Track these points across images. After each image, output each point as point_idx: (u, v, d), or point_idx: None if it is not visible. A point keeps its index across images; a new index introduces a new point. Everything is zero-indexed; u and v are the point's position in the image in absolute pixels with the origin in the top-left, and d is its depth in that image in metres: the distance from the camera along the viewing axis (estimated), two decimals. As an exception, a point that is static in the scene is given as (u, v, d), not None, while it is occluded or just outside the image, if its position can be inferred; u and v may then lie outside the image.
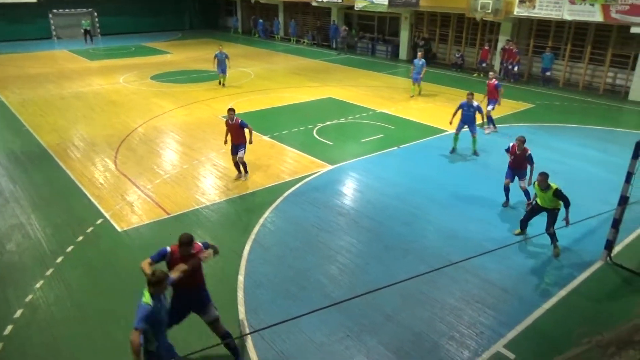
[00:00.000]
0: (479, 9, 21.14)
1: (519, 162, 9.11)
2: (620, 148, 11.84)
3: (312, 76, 22.37)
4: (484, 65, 22.46)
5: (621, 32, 18.46)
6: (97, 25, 35.87)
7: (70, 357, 5.85)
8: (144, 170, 11.23)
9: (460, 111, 12.08)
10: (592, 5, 17.84)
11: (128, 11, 36.71)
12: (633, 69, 18.60)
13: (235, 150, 10.48)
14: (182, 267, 5.16)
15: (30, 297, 6.84)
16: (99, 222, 8.87)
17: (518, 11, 20.18)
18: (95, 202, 9.63)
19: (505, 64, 21.58)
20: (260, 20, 36.18)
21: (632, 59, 18.67)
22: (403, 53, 26.90)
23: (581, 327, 6.16)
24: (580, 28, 19.87)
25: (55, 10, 34.05)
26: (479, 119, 12.61)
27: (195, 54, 28.02)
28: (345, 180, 10.95)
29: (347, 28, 29.45)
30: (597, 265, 7.67)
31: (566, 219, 7.54)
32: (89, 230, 8.59)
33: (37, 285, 7.08)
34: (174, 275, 5.07)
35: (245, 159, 10.58)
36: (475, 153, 12.23)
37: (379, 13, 27.51)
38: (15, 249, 8.03)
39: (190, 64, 25.14)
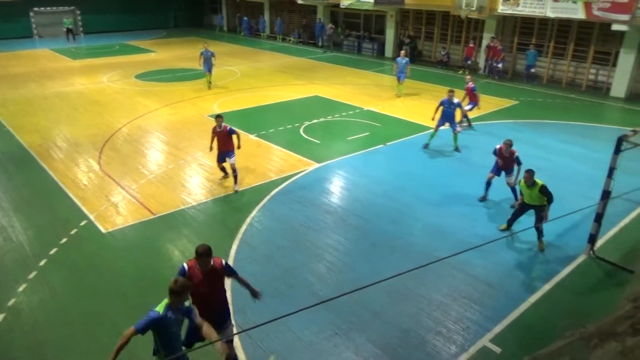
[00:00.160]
0: (463, 7, 21.28)
1: (507, 164, 9.24)
2: (602, 144, 12.02)
3: (299, 74, 22.32)
4: (469, 62, 22.63)
5: (603, 30, 18.73)
6: (80, 23, 35.33)
7: (55, 360, 5.76)
8: (128, 171, 11.11)
9: (441, 108, 12.21)
10: (575, 2, 18.07)
11: (111, 9, 36.22)
12: (614, 65, 18.89)
13: (222, 158, 10.15)
14: (208, 330, 4.60)
15: (13, 301, 6.72)
16: (82, 223, 8.74)
17: (502, 9, 20.36)
18: (79, 204, 9.50)
19: (490, 61, 21.77)
20: (245, 18, 35.99)
21: (613, 55, 18.96)
22: (389, 51, 26.98)
23: (565, 320, 6.25)
24: (563, 25, 20.11)
25: (36, 9, 33.44)
26: (458, 117, 12.78)
27: (180, 53, 27.78)
28: (332, 178, 10.95)
29: (333, 26, 29.44)
30: (580, 259, 7.78)
31: (545, 214, 7.67)
32: (73, 232, 8.46)
33: (20, 289, 6.96)
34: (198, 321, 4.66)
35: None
36: (456, 149, 12.35)
37: (365, 11, 27.54)
38: (-3, 252, 7.89)
39: (175, 62, 24.91)
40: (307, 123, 14.69)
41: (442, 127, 12.38)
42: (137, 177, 10.74)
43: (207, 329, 4.57)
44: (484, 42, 22.35)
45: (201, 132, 13.68)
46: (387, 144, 13.01)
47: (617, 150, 7.23)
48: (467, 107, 14.08)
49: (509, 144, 9.15)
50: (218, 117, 10.05)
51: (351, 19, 30.16)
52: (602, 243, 8.18)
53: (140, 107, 16.36)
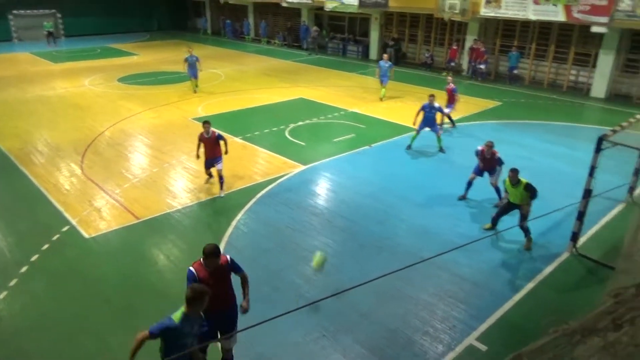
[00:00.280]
0: (446, 10, 21.49)
1: (489, 165, 9.35)
2: (584, 143, 12.23)
3: (283, 77, 22.30)
4: (452, 64, 22.85)
5: (582, 32, 19.08)
6: (61, 26, 34.85)
7: (37, 369, 5.65)
8: (112, 175, 10.96)
9: (422, 113, 12.32)
10: (555, 5, 18.38)
11: (93, 12, 35.80)
12: (594, 66, 19.25)
13: (209, 165, 9.91)
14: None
15: (-8, 308, 6.58)
16: (65, 229, 8.60)
17: (485, 11, 20.61)
18: (61, 209, 9.34)
19: (473, 63, 22.01)
20: (228, 21, 35.90)
21: (593, 57, 19.32)
22: (374, 53, 27.10)
23: (548, 317, 6.32)
24: (545, 28, 20.44)
25: (15, 11, 32.91)
26: (439, 120, 12.90)
27: (164, 56, 27.55)
28: (318, 180, 10.94)
29: (317, 29, 29.50)
30: (563, 256, 7.89)
31: (527, 210, 7.80)
32: (55, 237, 8.32)
33: (1, 297, 6.81)
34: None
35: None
36: (441, 150, 12.45)
37: (349, 14, 27.65)
38: (-24, 260, 7.71)
39: (158, 65, 24.69)
40: (292, 125, 14.68)
41: (423, 130, 12.47)
42: (121, 181, 10.61)
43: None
44: (467, 44, 22.59)
45: (185, 135, 13.57)
46: (372, 145, 13.06)
47: (598, 150, 7.36)
48: (447, 110, 14.13)
49: (490, 145, 9.26)
50: (205, 123, 9.72)
51: (336, 22, 30.26)
52: (584, 240, 8.30)
53: (123, 111, 16.17)
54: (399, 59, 25.53)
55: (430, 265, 7.30)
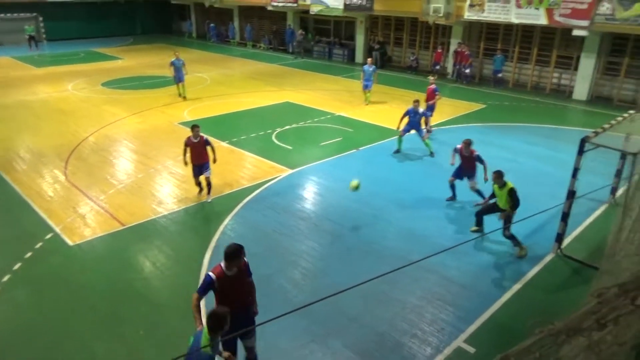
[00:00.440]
0: (431, 13, 21.68)
1: (468, 163, 9.44)
2: (567, 145, 12.40)
3: (270, 80, 22.28)
4: (437, 67, 23.04)
5: (564, 35, 19.40)
6: (43, 30, 34.39)
7: (20, 380, 5.54)
8: (96, 181, 10.82)
9: (407, 117, 12.41)
10: (537, 9, 18.67)
11: (75, 15, 35.41)
12: (576, 69, 19.57)
13: (199, 171, 9.62)
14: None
15: (-26, 319, 6.43)
16: (48, 236, 8.46)
17: (468, 15, 20.84)
18: (44, 216, 9.18)
19: (458, 66, 22.22)
20: (212, 25, 35.79)
21: (575, 60, 19.65)
22: (359, 56, 27.22)
23: (535, 318, 6.38)
24: (527, 31, 20.73)
25: (-5, 15, 32.44)
26: (424, 124, 12.96)
27: (148, 60, 27.34)
28: (305, 184, 10.93)
29: (303, 32, 29.54)
30: (549, 257, 7.98)
31: (506, 216, 7.81)
32: (38, 245, 8.17)
33: (-18, 306, 6.67)
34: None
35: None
36: (431, 154, 12.51)
37: (335, 17, 27.75)
38: (-43, 269, 7.54)
39: (143, 69, 24.49)
40: (279, 129, 14.65)
41: (408, 133, 12.53)
42: (106, 188, 10.47)
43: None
44: (452, 48, 22.82)
45: (171, 140, 13.46)
46: (359, 148, 13.09)
47: (581, 151, 7.48)
48: (428, 114, 13.93)
49: (467, 142, 9.36)
50: (194, 127, 9.47)
51: (321, 25, 30.34)
52: (569, 241, 8.42)
53: (107, 116, 15.99)
54: (384, 63, 25.69)
55: (418, 268, 7.33)
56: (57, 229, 8.69)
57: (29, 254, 7.90)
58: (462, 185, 9.76)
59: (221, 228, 8.82)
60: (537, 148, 13.28)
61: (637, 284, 1.61)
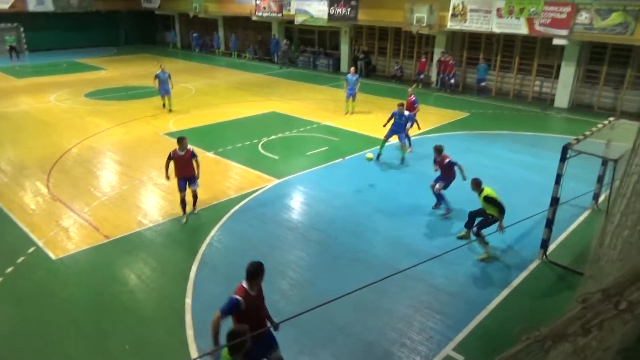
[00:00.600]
0: (414, 23, 21.99)
1: (444, 171, 9.51)
2: (549, 152, 12.59)
3: (255, 90, 22.29)
4: (421, 76, 23.30)
5: (544, 44, 19.81)
6: (24, 41, 33.97)
7: (1, 399, 5.39)
8: (80, 193, 10.67)
9: (393, 119, 12.54)
10: (518, 18, 19.06)
11: (57, 26, 35.08)
12: (557, 77, 19.96)
13: (183, 185, 9.14)
14: None
15: (-48, 337, 6.26)
16: (30, 250, 8.29)
17: (451, 25, 21.17)
18: (27, 230, 9.01)
19: (441, 75, 22.49)
20: (195, 35, 35.81)
21: (555, 68, 20.05)
22: (344, 66, 27.38)
23: (521, 325, 6.43)
24: (509, 40, 21.11)
25: (-24, 26, 31.98)
26: (413, 130, 13.03)
27: (133, 70, 27.17)
28: (292, 193, 10.92)
29: (288, 42, 29.67)
30: (534, 264, 8.07)
31: (499, 225, 7.87)
32: (20, 260, 8.00)
33: (-39, 324, 6.50)
34: None
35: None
36: (402, 160, 12.60)
37: (319, 27, 27.94)
38: None
39: (127, 80, 24.31)
40: (265, 139, 14.64)
41: (390, 141, 12.63)
42: (89, 200, 10.33)
43: None
44: (436, 57, 23.11)
45: (156, 151, 13.35)
46: (346, 157, 13.14)
47: (563, 158, 7.60)
48: (408, 125, 13.93)
49: (437, 148, 9.50)
50: (182, 140, 9.01)
51: (306, 35, 30.52)
52: (554, 248, 8.51)
53: (91, 127, 15.82)
54: (369, 72, 25.90)
55: (405, 277, 7.33)
56: (40, 243, 8.53)
57: (10, 269, 7.73)
58: (449, 192, 9.82)
59: (208, 240, 8.74)
60: (520, 155, 13.46)
61: (620, 289, 1.63)
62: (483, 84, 21.60)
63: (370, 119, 17.26)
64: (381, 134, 13.05)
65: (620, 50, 18.13)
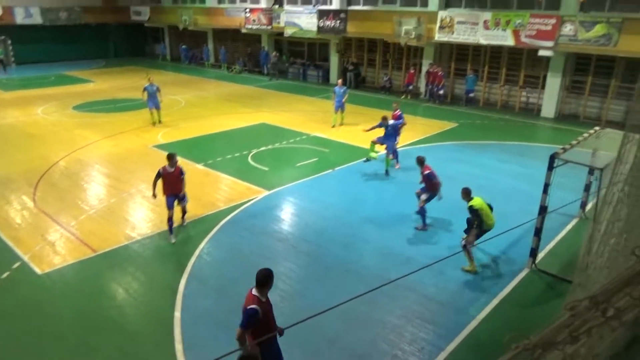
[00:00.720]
0: (402, 35, 22.23)
1: (426, 182, 9.48)
2: (536, 161, 12.71)
3: (245, 102, 22.31)
4: (410, 87, 23.51)
5: (531, 55, 20.11)
6: (12, 53, 33.75)
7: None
8: (66, 207, 10.53)
9: (383, 129, 12.59)
10: (504, 30, 19.35)
11: (46, 39, 34.95)
12: (543, 88, 20.25)
13: (172, 203, 8.90)
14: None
15: None
16: (15, 265, 8.14)
17: (439, 36, 21.43)
18: (12, 244, 8.85)
19: (430, 86, 22.70)
20: (184, 47, 35.88)
21: (541, 79, 20.35)
22: (334, 77, 27.54)
23: (511, 333, 6.43)
24: (495, 52, 21.41)
25: (-38, 39, 31.74)
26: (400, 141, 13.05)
27: (121, 82, 27.09)
28: (282, 205, 10.88)
29: (277, 54, 29.82)
30: (524, 272, 8.09)
31: (469, 236, 7.90)
32: (4, 275, 7.85)
33: (-57, 341, 6.33)
34: None
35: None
36: (386, 172, 12.58)
37: (309, 39, 28.13)
38: None
39: (116, 92, 24.22)
40: (255, 151, 14.62)
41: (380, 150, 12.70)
42: (77, 213, 10.20)
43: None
44: (424, 68, 23.35)
45: (145, 163, 13.27)
46: (336, 168, 13.15)
47: (550, 167, 7.68)
48: (398, 124, 13.88)
49: (419, 160, 9.52)
50: (172, 156, 8.86)
51: (295, 47, 30.70)
52: (543, 256, 8.56)
53: (79, 140, 15.69)
54: (358, 83, 26.08)
55: (396, 287, 7.31)
56: (25, 258, 8.38)
57: (-6, 284, 7.59)
58: (438, 203, 9.84)
59: (197, 252, 8.66)
60: (509, 165, 13.58)
61: (607, 296, 1.63)
62: (472, 94, 21.83)
63: (360, 130, 17.29)
64: (370, 144, 13.08)
65: (605, 61, 18.46)
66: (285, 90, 25.68)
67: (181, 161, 9.73)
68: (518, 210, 10.00)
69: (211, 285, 7.71)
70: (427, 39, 21.83)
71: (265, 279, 4.76)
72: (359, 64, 26.64)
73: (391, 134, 12.57)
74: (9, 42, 33.50)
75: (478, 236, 8.02)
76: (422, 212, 9.49)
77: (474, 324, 6.76)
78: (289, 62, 30.43)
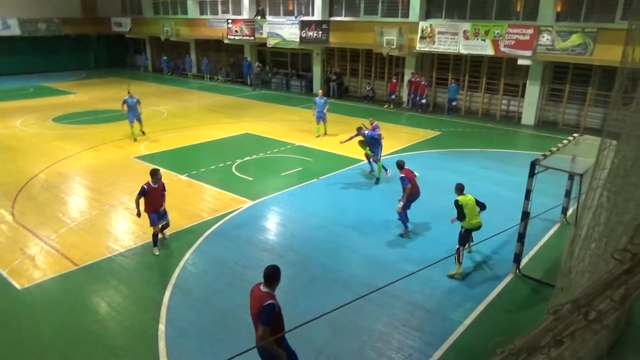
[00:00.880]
0: (384, 45, 22.48)
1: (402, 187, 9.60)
2: (518, 168, 12.91)
3: (229, 112, 22.25)
4: (393, 97, 23.73)
5: (510, 64, 20.51)
6: (-11, 65, 33.22)
7: None
8: (46, 220, 10.33)
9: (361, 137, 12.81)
10: (484, 40, 19.71)
11: (24, 50, 34.46)
12: (523, 96, 20.63)
13: (157, 219, 8.80)
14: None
15: None
16: (-6, 281, 7.94)
17: (420, 46, 21.72)
18: (-10, 259, 8.65)
19: (412, 95, 22.95)
20: (165, 58, 35.72)
21: (521, 87, 20.74)
22: (317, 87, 27.68)
23: (496, 339, 6.48)
24: (476, 61, 21.78)
25: (-62, 51, 31.12)
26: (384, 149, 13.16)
27: (102, 94, 26.80)
28: (267, 214, 10.84)
29: (260, 64, 29.85)
30: (508, 278, 8.18)
31: (454, 218, 8.20)
32: (-18, 291, 7.65)
33: None
34: None
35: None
36: (377, 181, 12.63)
37: (291, 49, 28.26)
38: None
39: (97, 104, 23.95)
40: (239, 161, 14.56)
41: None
42: (57, 226, 10.01)
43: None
44: (406, 78, 23.61)
45: (127, 175, 13.12)
46: (320, 177, 13.16)
47: (532, 174, 7.81)
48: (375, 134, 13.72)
49: (399, 164, 9.68)
50: (156, 172, 8.78)
51: (278, 57, 30.79)
52: (527, 261, 8.66)
53: (59, 152, 15.44)
54: (342, 93, 26.24)
55: (383, 295, 7.32)
56: (4, 273, 8.18)
57: (-29, 301, 7.38)
58: (422, 209, 9.92)
59: (181, 263, 8.56)
60: (491, 172, 13.75)
61: (589, 300, 1.66)
62: (454, 103, 22.12)
63: (344, 139, 17.36)
64: (354, 153, 13.17)
65: (581, 69, 18.92)
66: (269, 100, 25.70)
67: (164, 172, 9.66)
68: (501, 216, 10.11)
69: (196, 296, 7.62)
70: (408, 49, 22.12)
71: (274, 275, 4.91)
72: (342, 74, 26.83)
73: (372, 144, 12.67)
74: (-14, 53, 32.99)
75: (462, 236, 8.16)
76: (401, 217, 9.55)
77: (460, 329, 6.80)
78: (272, 72, 30.50)
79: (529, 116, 20.39)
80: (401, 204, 9.41)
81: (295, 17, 26.95)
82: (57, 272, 8.24)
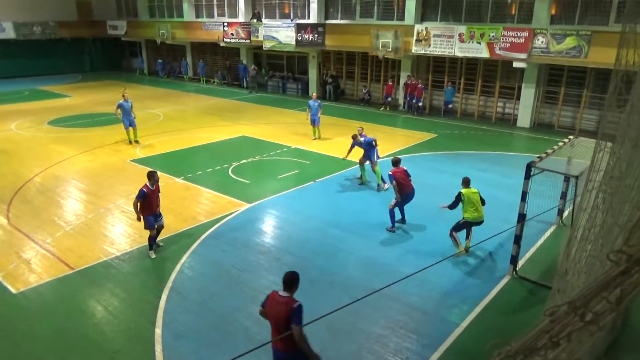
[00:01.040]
0: (380, 48, 22.55)
1: (398, 184, 9.80)
2: (514, 170, 12.95)
3: (225, 115, 22.24)
4: (389, 99, 23.78)
5: (505, 67, 20.60)
6: (-17, 68, 33.09)
7: None
8: (42, 223, 10.29)
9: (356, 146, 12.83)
10: (479, 43, 19.81)
11: (19, 53, 34.33)
12: (518, 98, 20.72)
13: (152, 223, 8.77)
14: None
15: None
16: (-11, 285, 7.90)
17: (415, 49, 21.80)
18: (-15, 263, 8.60)
19: (408, 98, 23.00)
20: (160, 61, 35.68)
21: (516, 90, 20.83)
22: (313, 90, 27.69)
23: (493, 341, 6.49)
24: (471, 63, 21.86)
25: None
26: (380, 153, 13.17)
27: (98, 97, 26.73)
28: (264, 217, 10.83)
29: (256, 67, 29.88)
30: (505, 279, 8.20)
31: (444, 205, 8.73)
32: (-23, 295, 7.61)
33: None
34: None
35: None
36: (378, 187, 12.54)
37: (287, 52, 28.29)
38: None
39: (92, 107, 23.88)
40: (235, 164, 14.55)
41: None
42: (53, 230, 9.97)
43: None
44: (402, 80, 23.68)
45: (123, 178, 13.08)
46: (317, 180, 13.17)
47: (527, 176, 7.84)
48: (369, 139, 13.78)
49: (394, 161, 9.97)
50: (153, 173, 8.72)
51: (274, 60, 30.81)
52: (523, 263, 8.69)
53: (54, 155, 15.38)
54: (338, 96, 26.28)
55: (380, 297, 7.33)
56: (-1, 277, 8.14)
57: (-34, 306, 7.34)
58: (420, 210, 9.94)
59: (178, 267, 8.54)
60: (487, 174, 13.78)
61: (585, 301, 1.67)
62: (450, 105, 22.19)
63: (340, 141, 17.39)
64: (351, 155, 13.18)
65: (576, 72, 19.02)
66: (265, 103, 25.70)
67: (161, 175, 9.60)
68: (498, 218, 10.13)
69: (192, 299, 7.60)
70: (404, 52, 22.19)
71: (293, 280, 5.05)
72: (338, 77, 26.87)
73: (368, 150, 12.66)
74: (-19, 56, 32.87)
75: (459, 224, 8.62)
76: (390, 213, 9.83)
77: (457, 332, 6.81)
78: (268, 75, 30.52)
79: (524, 118, 20.47)
80: (394, 200, 9.73)
81: (291, 20, 27.00)
82: (53, 276, 8.20)
